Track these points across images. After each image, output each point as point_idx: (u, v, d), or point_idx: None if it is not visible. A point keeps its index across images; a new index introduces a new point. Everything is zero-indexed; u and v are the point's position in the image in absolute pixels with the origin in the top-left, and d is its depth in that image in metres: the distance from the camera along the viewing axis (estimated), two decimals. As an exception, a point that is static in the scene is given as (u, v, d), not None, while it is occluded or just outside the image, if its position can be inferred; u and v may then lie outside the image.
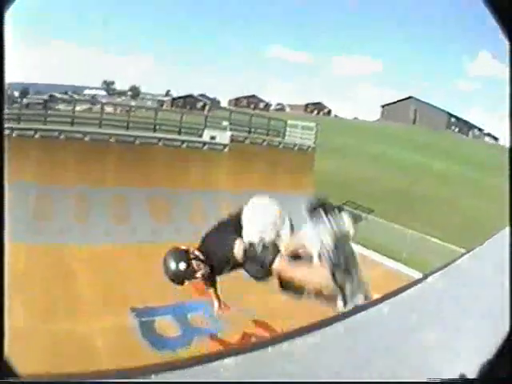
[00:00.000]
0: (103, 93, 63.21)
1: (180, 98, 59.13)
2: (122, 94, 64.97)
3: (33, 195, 11.06)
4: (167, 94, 66.63)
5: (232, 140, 13.75)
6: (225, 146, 13.46)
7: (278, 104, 72.81)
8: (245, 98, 70.54)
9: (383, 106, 67.76)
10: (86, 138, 12.27)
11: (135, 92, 66.33)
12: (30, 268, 9.41)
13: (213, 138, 14.14)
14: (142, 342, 7.94)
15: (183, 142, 13.06)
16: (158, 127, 14.74)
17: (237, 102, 68.23)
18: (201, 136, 14.59)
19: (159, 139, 12.86)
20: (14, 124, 13.24)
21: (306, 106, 72.25)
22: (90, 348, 7.52)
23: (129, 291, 9.04)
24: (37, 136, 11.98)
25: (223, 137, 14.04)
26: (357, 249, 3.56)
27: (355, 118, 68.85)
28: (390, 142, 38.53)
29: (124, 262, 9.93)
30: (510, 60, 1.46)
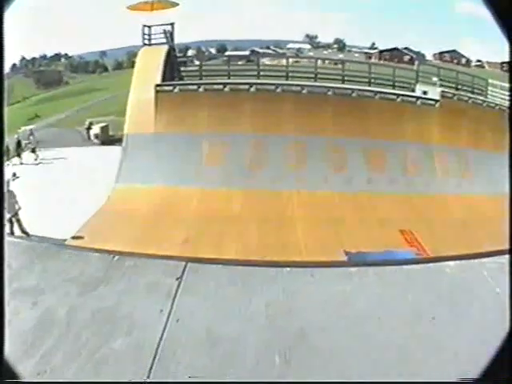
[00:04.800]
0: (308, 46, 64.82)
1: (387, 50, 58.84)
2: (327, 47, 65.53)
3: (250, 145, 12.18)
4: (372, 46, 65.78)
5: (442, 96, 14.14)
6: (436, 101, 13.94)
7: (478, 61, 69.35)
8: (447, 52, 70.10)
9: None
10: (304, 91, 13.10)
11: (341, 45, 66.52)
12: (245, 211, 10.70)
13: (425, 93, 14.76)
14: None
15: (398, 95, 13.83)
16: (372, 80, 15.90)
17: (440, 56, 67.24)
18: (413, 90, 15.37)
19: (375, 93, 13.74)
20: (224, 79, 14.63)
21: (502, 64, 66.13)
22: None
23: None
24: (252, 89, 12.91)
25: (434, 92, 14.54)
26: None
27: None
28: None
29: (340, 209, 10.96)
30: (509, 60, 1.43)
